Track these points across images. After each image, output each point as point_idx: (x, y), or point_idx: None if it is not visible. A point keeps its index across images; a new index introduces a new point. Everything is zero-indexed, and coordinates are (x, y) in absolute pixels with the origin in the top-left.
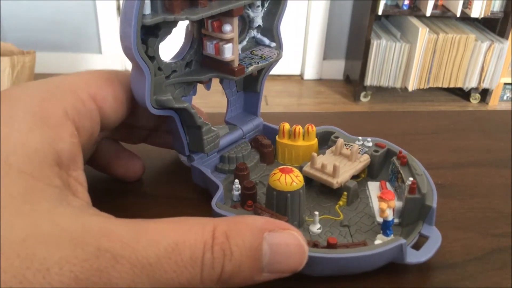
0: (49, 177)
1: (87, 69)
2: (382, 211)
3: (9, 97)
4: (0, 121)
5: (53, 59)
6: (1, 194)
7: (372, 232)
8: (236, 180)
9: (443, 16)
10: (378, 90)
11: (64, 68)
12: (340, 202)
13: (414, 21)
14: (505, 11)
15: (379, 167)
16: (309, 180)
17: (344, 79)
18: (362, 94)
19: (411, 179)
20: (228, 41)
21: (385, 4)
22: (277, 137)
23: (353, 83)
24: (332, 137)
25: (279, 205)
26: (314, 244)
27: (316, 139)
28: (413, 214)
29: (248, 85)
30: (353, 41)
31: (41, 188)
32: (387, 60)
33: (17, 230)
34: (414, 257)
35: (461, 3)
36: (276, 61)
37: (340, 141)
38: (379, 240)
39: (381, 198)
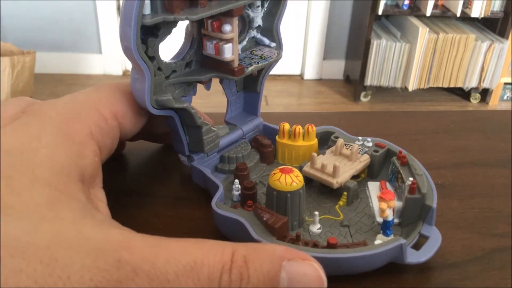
0: (74, 191)
1: (87, 69)
2: (382, 211)
3: (38, 113)
4: (30, 136)
5: (53, 59)
6: (27, 202)
7: (372, 232)
8: (236, 180)
9: (443, 16)
10: (378, 90)
11: (64, 68)
12: (340, 202)
13: (414, 21)
14: (505, 11)
15: (379, 167)
16: (309, 180)
17: (344, 79)
18: (362, 94)
19: (411, 179)
20: (228, 41)
21: (385, 4)
22: (277, 137)
23: (353, 83)
24: (332, 137)
25: (279, 205)
26: (314, 244)
27: (316, 139)
28: (413, 214)
29: (248, 85)
30: (353, 41)
31: (65, 200)
32: (387, 60)
33: (41, 236)
34: (414, 257)
35: (461, 3)
36: (276, 61)
37: (340, 141)
38: (379, 240)
39: (381, 198)
